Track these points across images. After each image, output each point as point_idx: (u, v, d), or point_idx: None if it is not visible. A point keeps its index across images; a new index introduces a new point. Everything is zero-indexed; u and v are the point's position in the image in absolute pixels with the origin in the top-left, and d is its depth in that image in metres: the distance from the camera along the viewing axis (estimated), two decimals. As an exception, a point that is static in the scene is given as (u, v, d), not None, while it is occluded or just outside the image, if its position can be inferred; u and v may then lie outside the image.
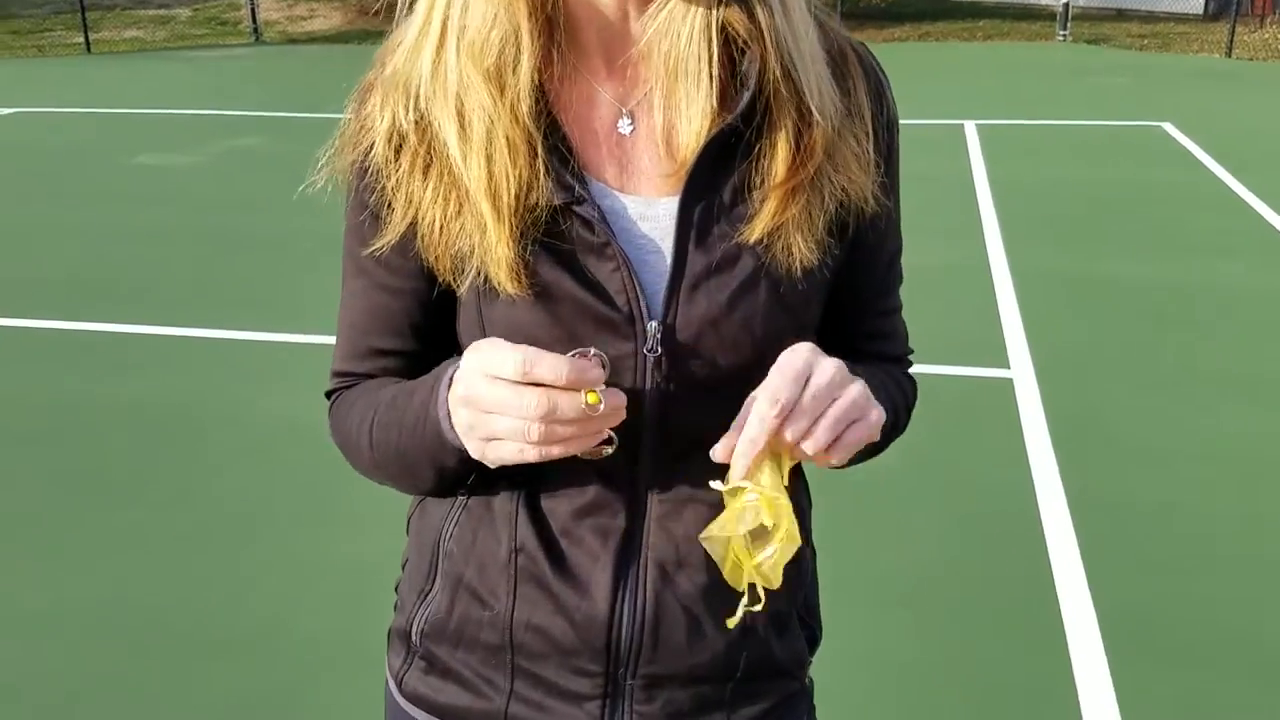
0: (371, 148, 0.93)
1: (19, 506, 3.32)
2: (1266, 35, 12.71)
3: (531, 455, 0.81)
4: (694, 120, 0.90)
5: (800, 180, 0.90)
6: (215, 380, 4.20)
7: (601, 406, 0.80)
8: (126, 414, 3.90)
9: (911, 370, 1.12)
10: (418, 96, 0.91)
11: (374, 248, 0.94)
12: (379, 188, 0.93)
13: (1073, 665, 2.57)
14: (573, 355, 0.81)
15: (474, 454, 0.85)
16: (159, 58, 13.44)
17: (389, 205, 0.92)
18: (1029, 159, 7.48)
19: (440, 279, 0.94)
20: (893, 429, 1.04)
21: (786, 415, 0.82)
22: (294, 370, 4.25)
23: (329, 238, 1.00)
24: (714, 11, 0.88)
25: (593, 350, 0.85)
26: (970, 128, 8.30)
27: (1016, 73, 11.16)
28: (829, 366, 0.84)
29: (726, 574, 0.87)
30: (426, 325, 0.99)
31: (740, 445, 0.83)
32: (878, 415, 0.86)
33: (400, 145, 0.92)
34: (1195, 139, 7.88)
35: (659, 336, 0.90)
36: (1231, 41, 12.04)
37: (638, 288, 0.90)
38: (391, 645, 1.10)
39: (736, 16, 0.89)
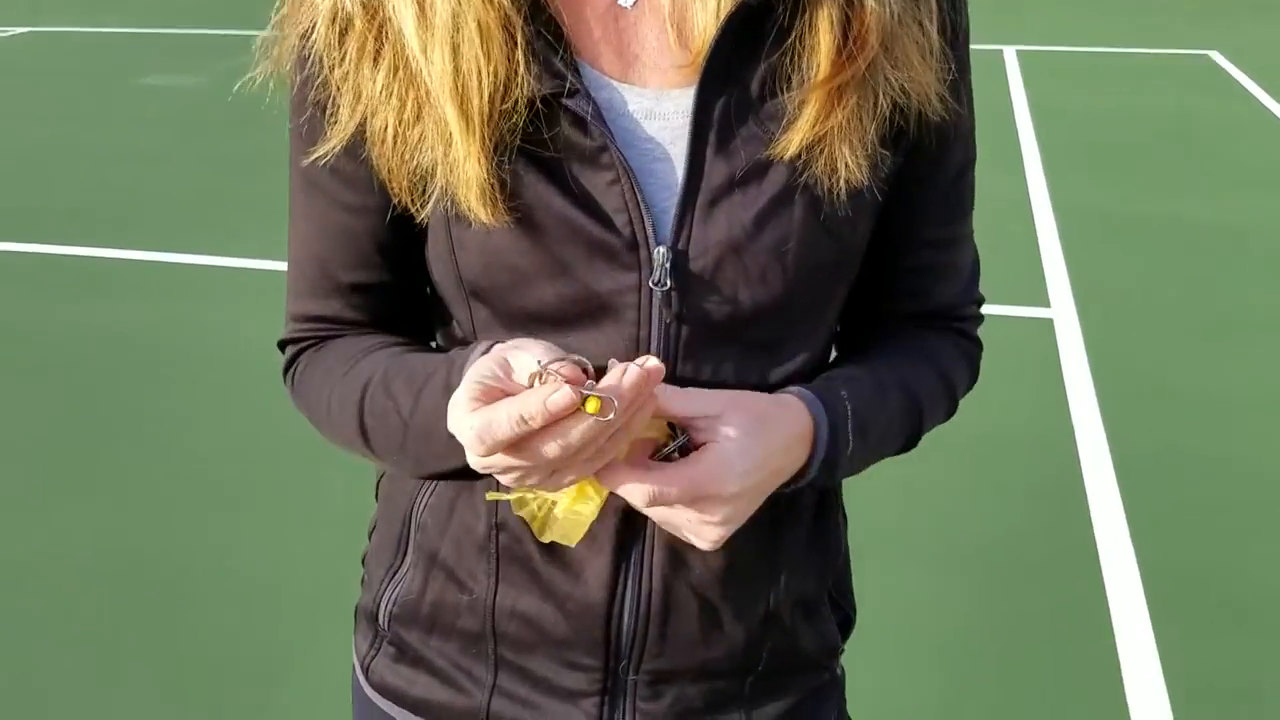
0: (312, 30, 0.77)
1: (7, 439, 3.21)
2: (1321, -40, 12.20)
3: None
4: None
5: (848, 77, 0.74)
6: (209, 308, 4.05)
7: (613, 413, 0.64)
8: (120, 343, 3.79)
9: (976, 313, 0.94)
10: None
11: (319, 154, 0.79)
12: (321, 79, 0.78)
13: (1114, 627, 2.46)
14: (537, 377, 0.66)
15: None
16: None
17: (333, 102, 0.77)
18: (1072, 87, 7.26)
19: (395, 199, 0.78)
20: (917, 429, 0.89)
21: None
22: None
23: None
24: None
25: (549, 363, 0.66)
26: (1010, 53, 8.07)
27: (1059, -3, 10.83)
28: (744, 457, 0.73)
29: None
30: (400, 248, 0.84)
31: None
32: (711, 540, 0.75)
33: (346, 28, 0.76)
34: (1243, 68, 7.64)
35: (668, 266, 0.75)
36: (1284, -33, 11.59)
37: (641, 204, 0.74)
38: (358, 626, 0.96)
39: None
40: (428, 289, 0.87)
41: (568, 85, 0.73)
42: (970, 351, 0.93)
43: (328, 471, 2.97)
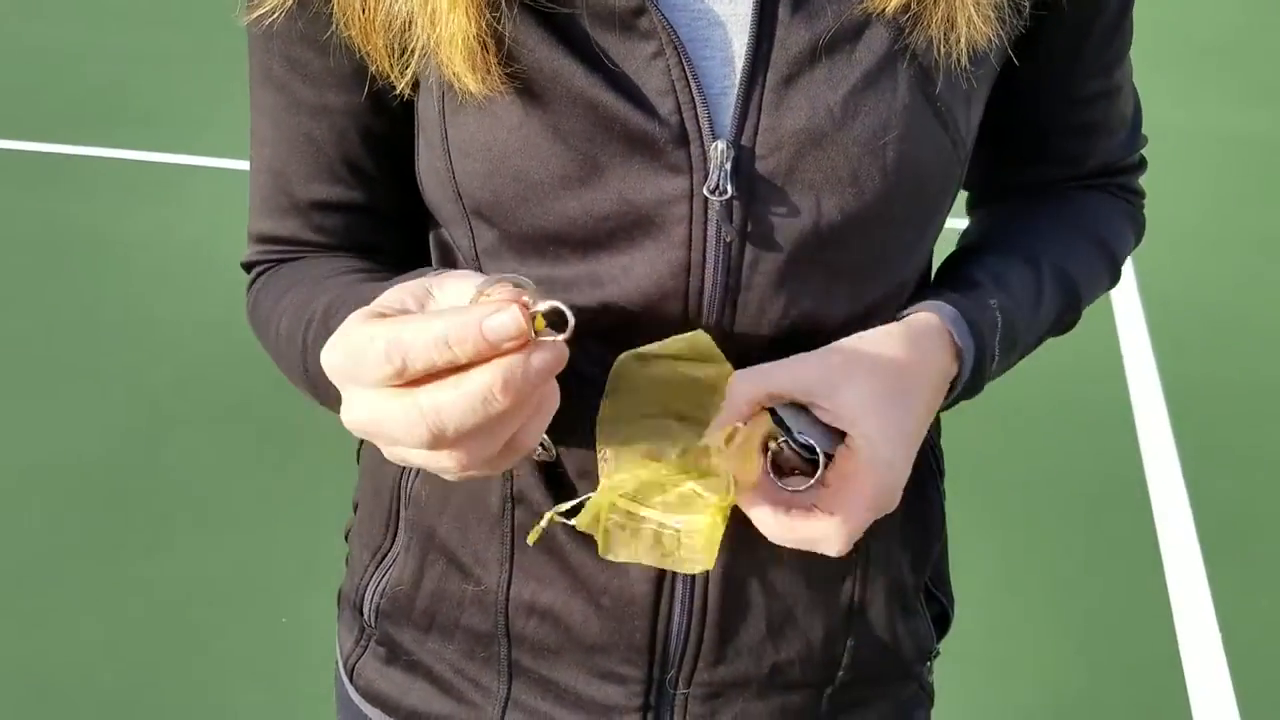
0: None
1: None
2: None
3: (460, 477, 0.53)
4: None
5: None
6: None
7: (568, 331, 0.49)
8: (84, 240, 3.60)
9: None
10: None
11: (263, 9, 0.63)
12: None
13: (1165, 574, 2.37)
14: (479, 292, 0.49)
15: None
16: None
17: None
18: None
19: (373, 67, 0.63)
20: (1055, 325, 0.75)
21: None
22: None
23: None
24: None
25: (486, 286, 0.51)
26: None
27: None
28: (888, 470, 0.60)
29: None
30: (375, 159, 0.69)
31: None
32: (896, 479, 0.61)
33: None
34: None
35: (729, 167, 0.58)
36: None
37: (693, 84, 0.57)
38: (341, 616, 0.82)
39: None
40: (421, 211, 0.71)
41: None
42: (1135, 207, 0.79)
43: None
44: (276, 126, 0.69)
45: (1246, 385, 2.97)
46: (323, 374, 0.54)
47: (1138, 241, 0.80)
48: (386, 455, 0.53)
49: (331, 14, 0.62)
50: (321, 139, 0.68)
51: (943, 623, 0.81)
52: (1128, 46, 0.72)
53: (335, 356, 0.51)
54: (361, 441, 0.79)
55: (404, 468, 0.73)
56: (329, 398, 0.63)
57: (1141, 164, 0.80)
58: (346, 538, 0.82)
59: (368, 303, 0.53)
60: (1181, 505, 2.53)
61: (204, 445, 2.66)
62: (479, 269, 0.65)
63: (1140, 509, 2.52)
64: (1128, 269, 3.37)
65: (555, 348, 0.48)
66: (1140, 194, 0.81)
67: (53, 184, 4.20)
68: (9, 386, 2.91)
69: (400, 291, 0.52)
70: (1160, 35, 5.98)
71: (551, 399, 0.51)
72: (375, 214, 0.71)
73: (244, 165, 0.76)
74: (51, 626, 2.14)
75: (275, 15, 0.63)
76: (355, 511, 0.81)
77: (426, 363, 0.47)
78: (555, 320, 0.49)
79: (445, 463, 0.50)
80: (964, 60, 0.60)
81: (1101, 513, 2.52)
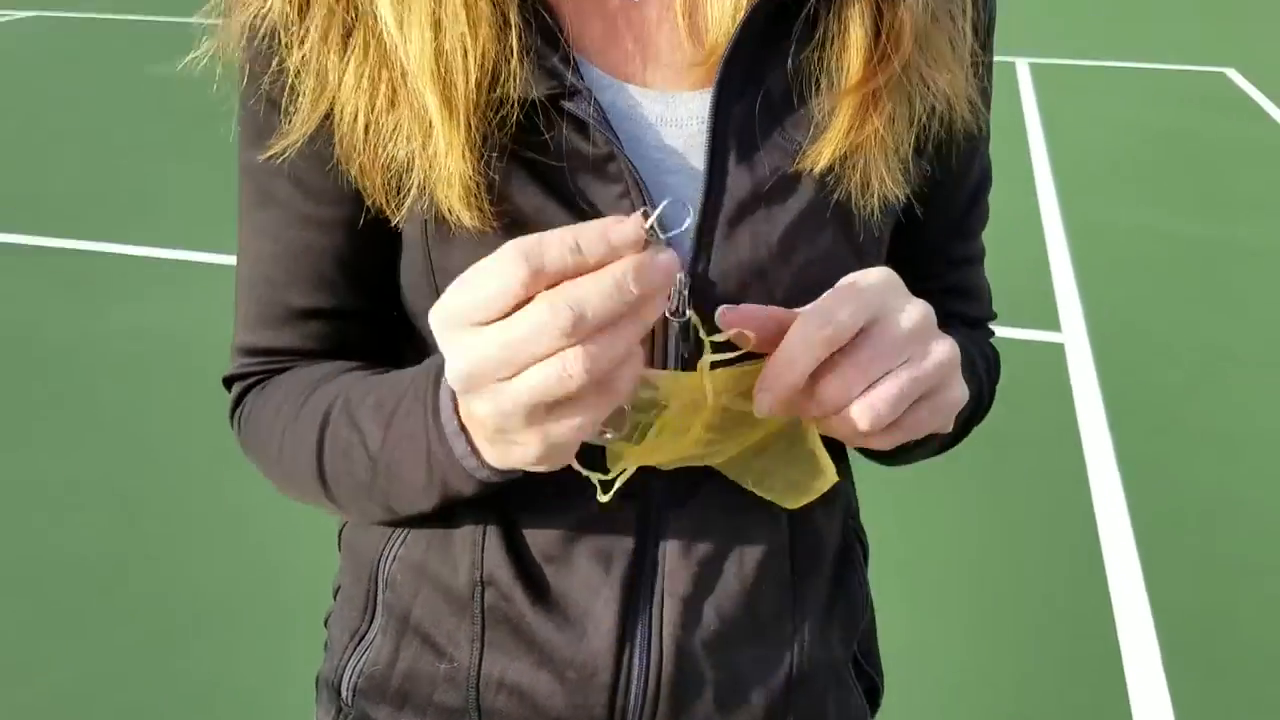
0: (266, 3, 0.67)
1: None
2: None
3: (598, 406, 0.55)
4: None
5: (883, 81, 0.65)
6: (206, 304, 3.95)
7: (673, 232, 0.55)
8: (118, 342, 3.68)
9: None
10: None
11: (274, 152, 0.69)
12: (277, 62, 0.68)
13: (1125, 669, 2.37)
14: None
15: (524, 463, 0.59)
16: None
17: (291, 90, 0.67)
18: (1084, 102, 7.17)
19: (369, 201, 0.67)
20: (970, 418, 0.80)
21: (837, 351, 0.60)
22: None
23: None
24: None
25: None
26: (1022, 65, 7.98)
27: (1073, 8, 10.73)
28: (915, 308, 0.62)
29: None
30: (367, 268, 0.73)
31: (771, 369, 0.61)
32: (960, 394, 0.65)
33: (307, 1, 0.66)
34: (1260, 87, 7.55)
35: (686, 294, 0.64)
36: (1300, -17, 11.50)
37: (656, 223, 0.64)
38: (319, 698, 0.85)
39: None
40: (395, 314, 0.76)
41: (567, 85, 0.64)
42: (997, 357, 0.86)
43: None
44: (272, 237, 0.73)
45: (1209, 488, 3.01)
46: (334, 470, 0.63)
47: (994, 392, 0.86)
48: (493, 409, 0.55)
49: (333, 149, 0.68)
50: (318, 250, 0.72)
51: (873, 696, 0.86)
52: (983, 225, 0.82)
53: (452, 299, 0.54)
54: (342, 528, 0.85)
55: (380, 556, 0.78)
56: (340, 491, 0.70)
57: (992, 334, 0.88)
58: (326, 623, 0.86)
59: (384, 394, 0.65)
60: (1141, 605, 2.55)
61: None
62: None
63: (1102, 608, 2.54)
64: (1090, 374, 3.47)
65: (670, 250, 0.53)
66: (998, 358, 0.87)
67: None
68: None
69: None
70: (1121, 145, 6.21)
71: (639, 351, 0.55)
72: (360, 318, 0.76)
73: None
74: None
75: (286, 154, 0.69)
76: (335, 597, 0.85)
77: (561, 263, 0.51)
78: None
79: (574, 366, 0.52)
80: (876, 212, 0.69)
81: (1061, 611, 2.54)
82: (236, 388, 0.79)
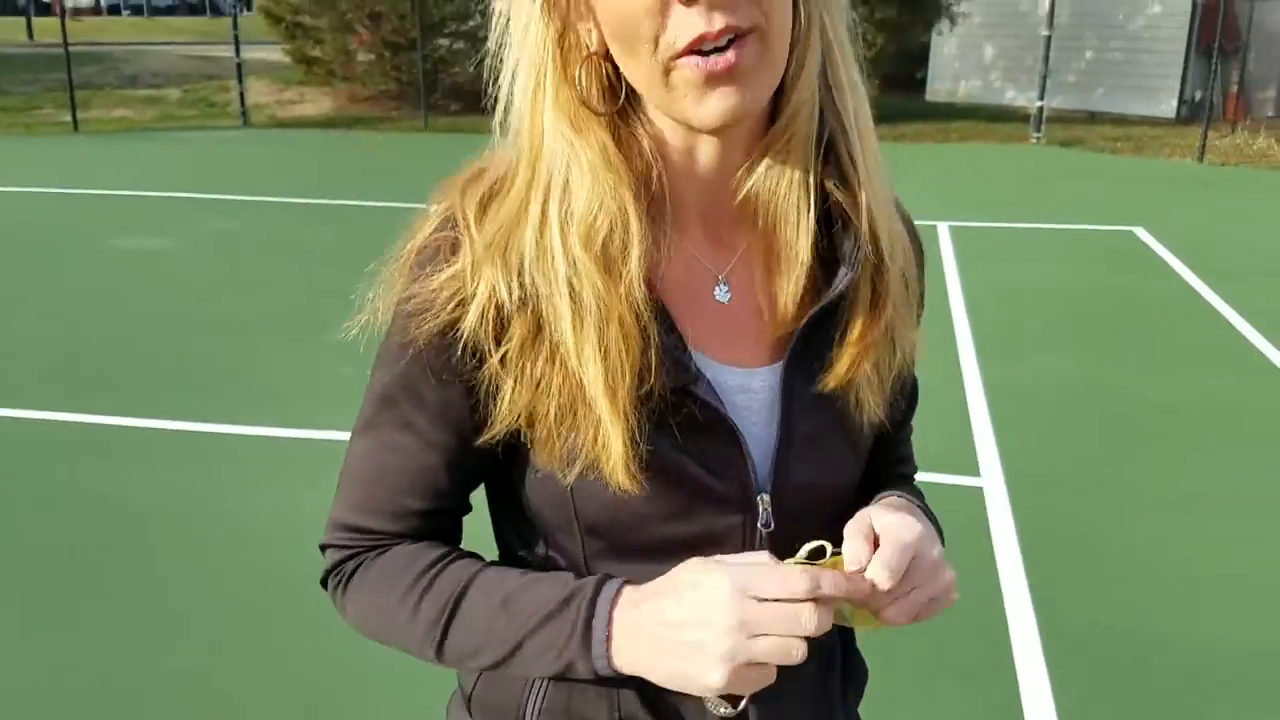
0: (460, 318, 0.85)
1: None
2: (1238, 140, 12.95)
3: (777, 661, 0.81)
4: (791, 282, 0.89)
5: (875, 335, 0.91)
6: (203, 476, 4.12)
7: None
8: (98, 507, 3.81)
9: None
10: (521, 272, 0.84)
11: (487, 436, 0.87)
12: (472, 365, 0.86)
13: None
14: (798, 559, 0.84)
15: (704, 686, 0.82)
16: (146, 138, 13.49)
17: (489, 389, 0.86)
18: (1001, 262, 7.52)
19: (543, 464, 0.88)
20: None
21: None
22: (287, 465, 4.19)
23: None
24: (811, 161, 0.88)
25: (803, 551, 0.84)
26: (944, 229, 8.35)
27: (990, 175, 11.28)
28: (932, 546, 0.86)
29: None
30: (475, 479, 0.94)
31: (875, 596, 0.84)
32: (948, 578, 0.88)
33: (503, 323, 0.85)
34: (1167, 244, 7.95)
35: (770, 509, 0.89)
36: (1204, 146, 12.28)
37: (750, 464, 0.89)
38: None
39: (829, 173, 0.89)
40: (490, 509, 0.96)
41: (693, 373, 0.85)
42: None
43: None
44: (406, 456, 0.90)
45: (1121, 630, 3.12)
46: (461, 641, 0.87)
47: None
48: (731, 646, 0.79)
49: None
50: (441, 466, 0.90)
51: None
52: (914, 414, 1.08)
53: (730, 579, 0.80)
54: (470, 693, 0.99)
55: (524, 704, 0.93)
56: (452, 653, 0.89)
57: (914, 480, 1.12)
58: None
59: (536, 596, 0.87)
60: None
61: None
62: (586, 568, 0.90)
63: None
64: (1007, 515, 3.69)
65: (830, 573, 0.81)
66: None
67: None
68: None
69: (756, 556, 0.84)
70: (1035, 304, 6.48)
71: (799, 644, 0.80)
72: (450, 515, 0.95)
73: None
74: None
75: (490, 437, 0.87)
76: None
77: (833, 589, 0.80)
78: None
79: (798, 651, 0.78)
80: (866, 427, 0.94)
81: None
82: (333, 555, 0.96)
